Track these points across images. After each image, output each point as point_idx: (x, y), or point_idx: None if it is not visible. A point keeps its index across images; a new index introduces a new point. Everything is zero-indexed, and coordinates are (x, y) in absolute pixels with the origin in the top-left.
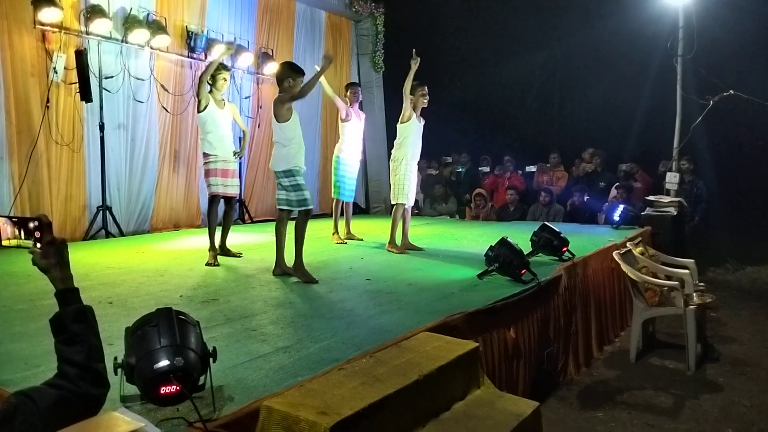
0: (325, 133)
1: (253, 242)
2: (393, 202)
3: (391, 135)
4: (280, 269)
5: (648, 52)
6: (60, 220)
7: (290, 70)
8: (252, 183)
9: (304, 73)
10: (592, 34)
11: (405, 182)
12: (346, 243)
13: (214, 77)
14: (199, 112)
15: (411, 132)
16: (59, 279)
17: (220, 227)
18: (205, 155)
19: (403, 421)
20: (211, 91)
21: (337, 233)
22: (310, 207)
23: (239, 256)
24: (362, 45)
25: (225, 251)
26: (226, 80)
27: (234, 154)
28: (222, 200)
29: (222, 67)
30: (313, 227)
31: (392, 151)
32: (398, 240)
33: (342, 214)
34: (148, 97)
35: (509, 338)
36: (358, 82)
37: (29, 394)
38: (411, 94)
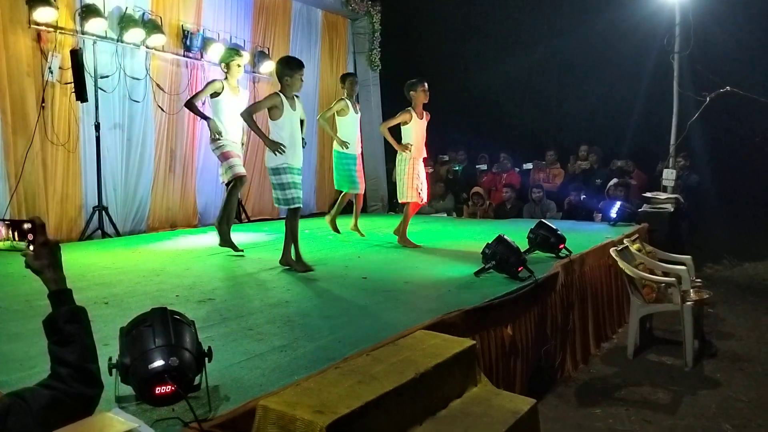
0: (321, 131)
1: (249, 241)
2: (400, 201)
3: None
4: (284, 260)
5: (644, 49)
6: (56, 221)
7: (286, 67)
8: (249, 182)
9: (302, 67)
10: (589, 31)
11: (413, 180)
12: (363, 235)
13: (228, 64)
14: (212, 98)
15: (412, 131)
16: (52, 280)
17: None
18: (214, 138)
19: (400, 419)
20: (226, 78)
21: (356, 227)
22: (298, 205)
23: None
24: (359, 43)
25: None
26: (240, 66)
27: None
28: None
29: (235, 53)
30: (309, 225)
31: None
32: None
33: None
34: (144, 97)
35: (506, 336)
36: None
37: (22, 395)
38: (412, 90)
